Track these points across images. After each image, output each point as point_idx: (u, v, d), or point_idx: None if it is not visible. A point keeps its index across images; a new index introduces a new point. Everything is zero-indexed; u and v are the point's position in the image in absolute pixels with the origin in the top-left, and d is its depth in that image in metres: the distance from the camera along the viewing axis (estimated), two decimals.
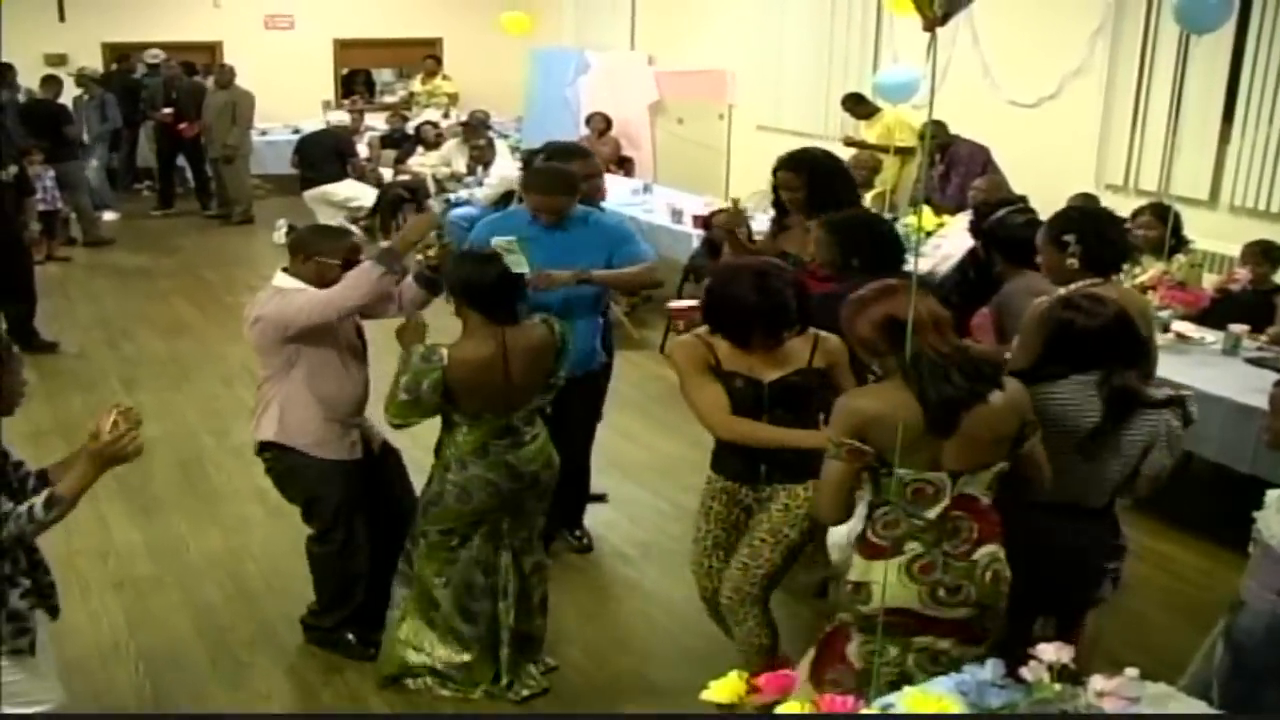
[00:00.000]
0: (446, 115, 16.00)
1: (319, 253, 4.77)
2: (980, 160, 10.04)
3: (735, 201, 6.00)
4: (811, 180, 5.52)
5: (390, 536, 5.01)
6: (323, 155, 13.43)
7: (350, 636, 5.20)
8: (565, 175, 5.62)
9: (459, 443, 4.66)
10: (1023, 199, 6.80)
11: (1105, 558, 4.22)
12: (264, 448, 4.94)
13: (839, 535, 4.27)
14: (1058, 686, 3.02)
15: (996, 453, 3.58)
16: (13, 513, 3.36)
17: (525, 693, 4.90)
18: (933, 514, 3.55)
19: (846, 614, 3.76)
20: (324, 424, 4.83)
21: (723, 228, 5.84)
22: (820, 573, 5.39)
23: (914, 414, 3.42)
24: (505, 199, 10.67)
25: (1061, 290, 4.42)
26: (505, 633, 4.88)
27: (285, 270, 4.81)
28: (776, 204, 5.81)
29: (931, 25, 3.28)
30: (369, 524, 5.02)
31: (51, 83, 13.99)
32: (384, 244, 5.16)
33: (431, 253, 4.91)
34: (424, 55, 18.03)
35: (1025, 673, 3.07)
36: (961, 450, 3.50)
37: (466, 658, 4.89)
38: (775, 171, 5.71)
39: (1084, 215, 4.94)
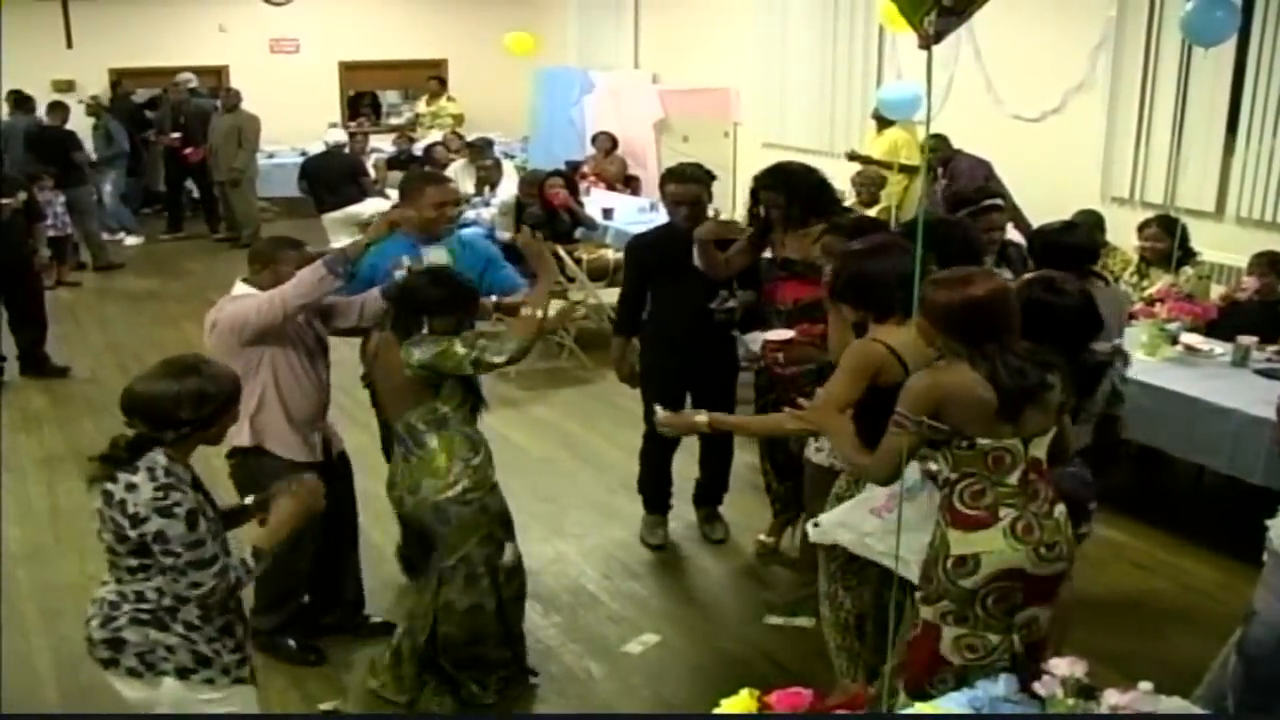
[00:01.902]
0: (449, 136, 16.00)
1: (274, 261, 4.96)
2: (980, 174, 10.03)
3: (716, 213, 6.12)
4: (791, 195, 5.71)
5: (337, 541, 5.17)
6: (338, 178, 13.47)
7: (291, 642, 5.31)
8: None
9: None
10: (985, 191, 6.89)
11: (1089, 498, 4.57)
12: (232, 453, 5.00)
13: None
14: (1071, 701, 3.03)
15: (1051, 419, 3.75)
16: (230, 565, 3.49)
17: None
18: (1014, 479, 3.68)
19: (929, 609, 3.78)
20: (289, 426, 4.95)
21: (709, 237, 5.87)
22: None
23: (989, 391, 3.57)
24: (518, 217, 10.69)
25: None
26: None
27: (245, 280, 4.99)
28: (755, 218, 5.91)
29: (926, 44, 3.33)
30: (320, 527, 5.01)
31: (59, 109, 14.04)
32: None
33: (399, 274, 5.07)
34: (429, 77, 18.09)
35: (1039, 688, 3.08)
36: (1028, 420, 3.65)
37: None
38: (755, 190, 5.87)
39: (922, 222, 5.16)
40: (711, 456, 6.47)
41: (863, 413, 4.03)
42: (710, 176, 6.15)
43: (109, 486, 3.37)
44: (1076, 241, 5.41)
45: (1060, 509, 3.78)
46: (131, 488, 3.34)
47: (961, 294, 3.63)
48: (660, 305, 6.05)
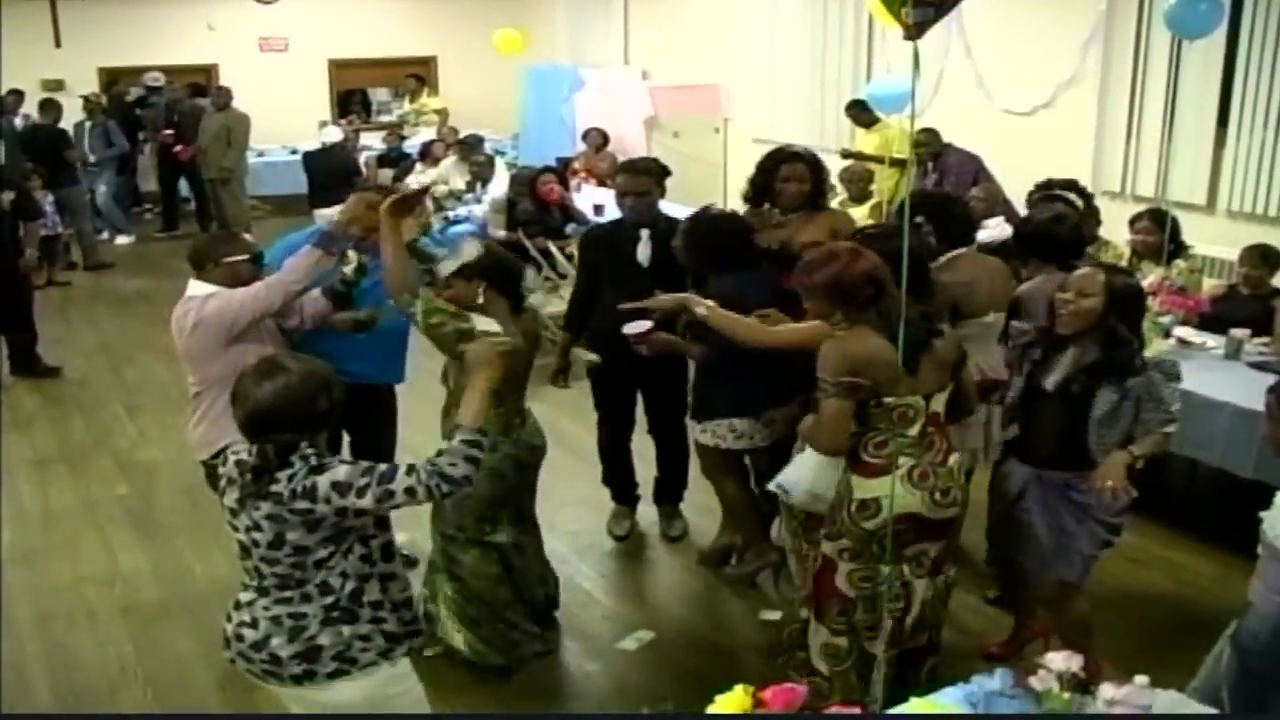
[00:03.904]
0: (446, 130, 15.97)
1: (226, 255, 4.93)
2: (970, 169, 10.03)
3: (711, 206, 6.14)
4: (813, 174, 5.83)
5: None
6: (334, 176, 13.45)
7: None
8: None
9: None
10: (1073, 183, 6.95)
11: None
12: (216, 456, 4.82)
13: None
14: (1067, 695, 3.03)
15: (946, 376, 4.25)
16: (416, 464, 3.37)
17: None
18: (914, 431, 4.17)
19: (829, 545, 4.32)
20: None
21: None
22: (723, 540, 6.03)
23: (892, 353, 4.03)
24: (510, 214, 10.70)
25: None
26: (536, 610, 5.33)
27: (198, 280, 4.92)
28: (761, 198, 5.92)
29: (910, 36, 3.34)
30: None
31: (50, 107, 14.01)
32: (321, 226, 5.28)
33: (349, 270, 5.06)
34: (407, 74, 18.11)
35: (1034, 682, 3.08)
36: (926, 377, 4.15)
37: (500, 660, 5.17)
38: (779, 164, 5.84)
39: (926, 197, 5.59)
40: (668, 455, 6.49)
41: None
42: (664, 171, 6.14)
43: (275, 489, 3.27)
44: (1065, 234, 5.53)
45: (955, 458, 4.28)
46: (291, 477, 3.27)
47: (837, 269, 4.13)
48: (608, 300, 6.02)
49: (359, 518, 3.36)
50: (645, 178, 6.00)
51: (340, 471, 3.29)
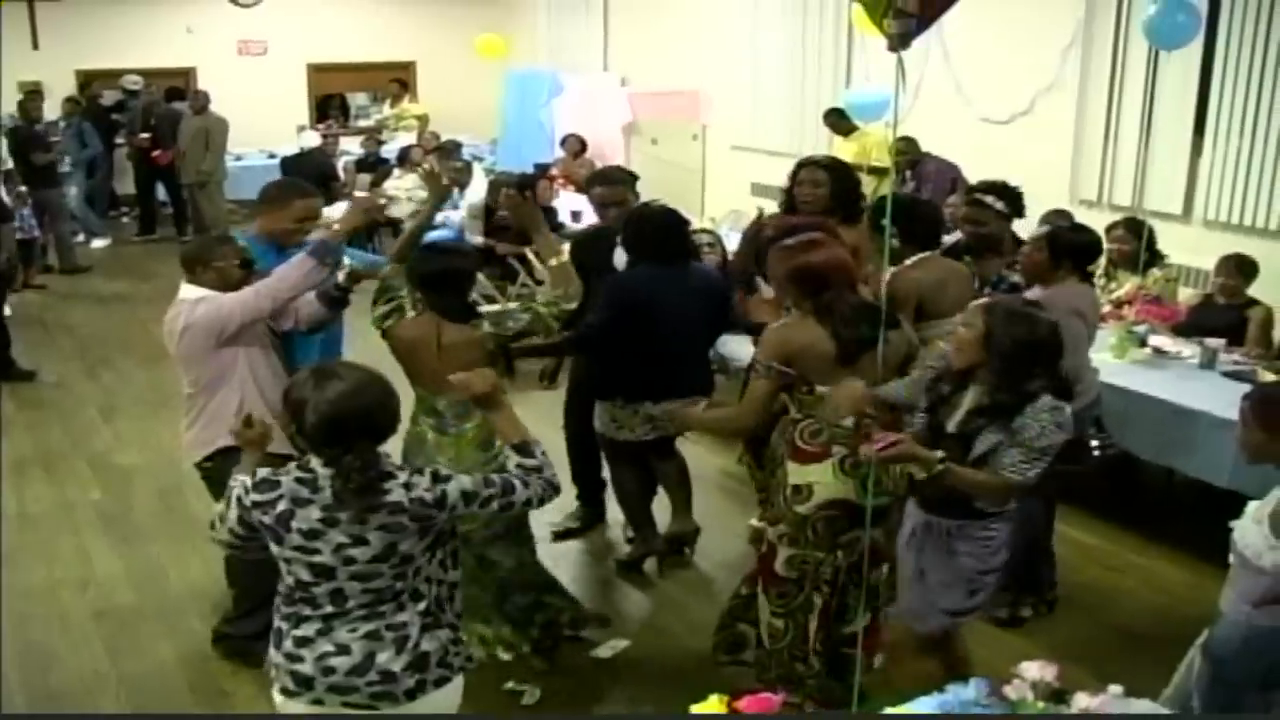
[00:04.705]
0: (428, 136, 15.94)
1: (216, 259, 4.92)
2: (948, 177, 10.09)
3: (761, 212, 6.30)
4: (834, 181, 5.88)
5: None
6: (311, 180, 13.33)
7: (260, 649, 5.25)
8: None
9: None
10: (997, 185, 6.87)
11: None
12: (211, 456, 4.93)
13: None
14: (1041, 704, 3.04)
15: (890, 374, 4.30)
16: (500, 477, 3.46)
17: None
18: (848, 421, 4.25)
19: (770, 531, 4.48)
20: (271, 421, 4.84)
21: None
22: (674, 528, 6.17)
23: (829, 344, 4.20)
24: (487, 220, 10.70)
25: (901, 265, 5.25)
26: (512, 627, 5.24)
27: (190, 283, 4.91)
28: (791, 206, 5.98)
29: (894, 47, 3.36)
30: None
31: (28, 107, 13.92)
32: (317, 235, 5.26)
33: (341, 276, 5.07)
34: (390, 79, 18.07)
35: (1009, 691, 3.08)
36: (865, 372, 4.18)
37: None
38: (799, 169, 5.98)
39: (893, 202, 5.49)
40: None
41: None
42: (633, 177, 6.39)
43: (390, 499, 3.22)
44: (1090, 240, 5.74)
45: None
46: (408, 486, 3.25)
47: (797, 259, 4.31)
48: (586, 305, 6.07)
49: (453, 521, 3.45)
50: (622, 188, 6.20)
51: (465, 481, 3.35)
